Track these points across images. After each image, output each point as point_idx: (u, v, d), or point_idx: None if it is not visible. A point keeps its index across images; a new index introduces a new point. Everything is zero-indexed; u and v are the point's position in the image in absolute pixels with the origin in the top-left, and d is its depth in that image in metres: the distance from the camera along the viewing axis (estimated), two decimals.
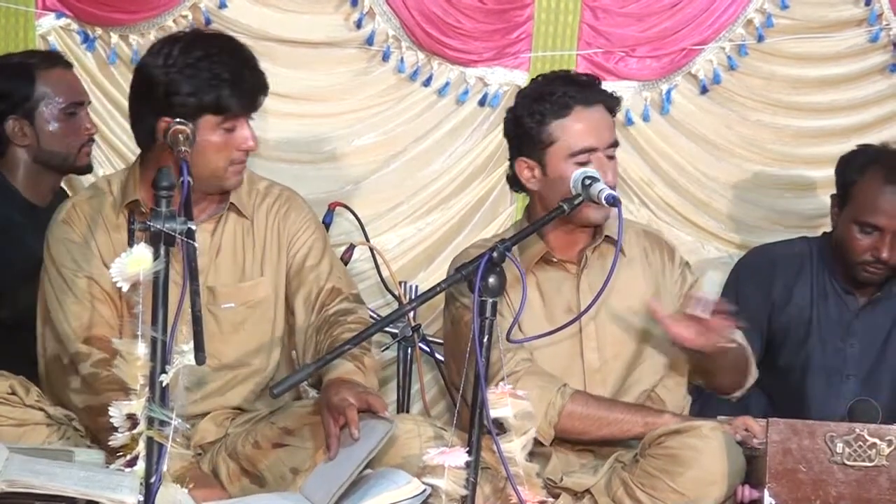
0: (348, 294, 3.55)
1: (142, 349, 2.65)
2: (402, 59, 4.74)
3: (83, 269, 3.40)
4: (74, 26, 4.66)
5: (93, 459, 3.15)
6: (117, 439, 2.69)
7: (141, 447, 2.65)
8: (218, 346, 3.44)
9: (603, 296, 3.24)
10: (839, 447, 3.13)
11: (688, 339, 3.38)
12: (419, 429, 3.31)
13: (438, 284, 3.03)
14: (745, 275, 4.32)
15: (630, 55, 4.77)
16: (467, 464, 2.88)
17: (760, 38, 4.77)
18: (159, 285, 2.62)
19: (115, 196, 3.47)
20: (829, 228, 4.30)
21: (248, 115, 3.38)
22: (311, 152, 4.75)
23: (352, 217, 4.49)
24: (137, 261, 2.64)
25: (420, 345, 4.36)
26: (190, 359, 2.63)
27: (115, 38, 4.66)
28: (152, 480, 2.62)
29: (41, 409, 3.32)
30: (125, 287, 2.65)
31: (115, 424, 2.68)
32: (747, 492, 3.27)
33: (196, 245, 2.69)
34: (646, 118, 4.78)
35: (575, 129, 3.46)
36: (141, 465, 2.65)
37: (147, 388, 2.63)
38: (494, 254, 2.91)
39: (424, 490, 3.00)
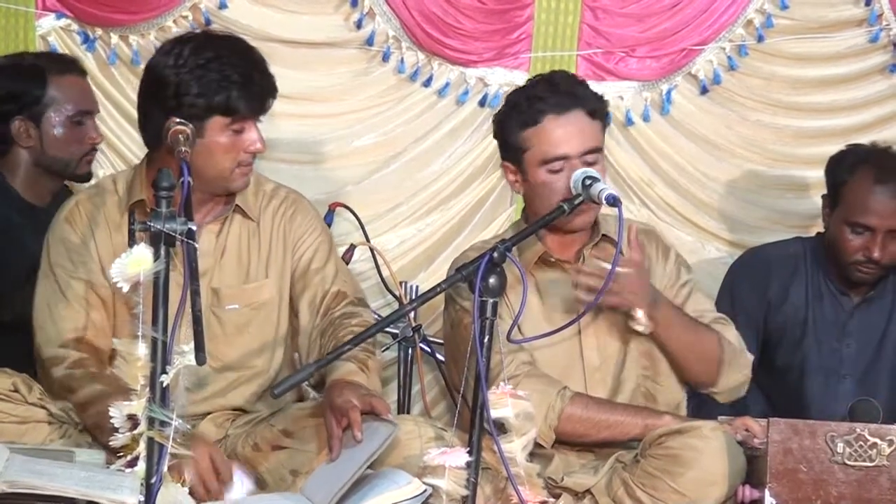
0: (354, 298, 3.56)
1: (142, 350, 2.65)
2: (402, 60, 4.74)
3: (78, 272, 3.41)
4: (75, 27, 4.66)
5: (93, 460, 3.15)
6: (118, 440, 2.70)
7: (141, 448, 2.65)
8: (221, 347, 3.45)
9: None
10: (840, 447, 3.13)
11: (590, 286, 3.34)
12: (420, 429, 3.30)
13: (439, 284, 3.03)
14: (741, 276, 4.32)
15: (630, 55, 4.77)
16: (468, 464, 2.88)
17: (760, 39, 4.77)
18: (160, 286, 2.62)
19: (121, 195, 3.47)
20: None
21: (257, 118, 3.38)
22: (311, 152, 4.75)
23: (352, 217, 4.49)
24: (138, 261, 2.64)
25: (421, 345, 4.36)
26: (190, 359, 2.63)
27: (115, 38, 4.66)
28: (153, 481, 2.63)
29: (43, 408, 3.32)
30: (125, 288, 2.65)
31: (116, 425, 2.69)
32: (748, 492, 3.27)
33: (196, 245, 2.70)
34: (646, 118, 4.78)
35: (546, 137, 3.45)
36: (141, 466, 2.65)
37: (147, 389, 2.63)
38: (495, 254, 2.91)
39: (425, 490, 3.00)
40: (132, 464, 2.68)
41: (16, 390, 3.32)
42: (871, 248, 4.07)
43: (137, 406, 2.65)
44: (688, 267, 3.71)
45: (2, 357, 3.49)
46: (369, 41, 4.72)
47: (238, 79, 3.30)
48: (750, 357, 3.65)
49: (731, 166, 4.84)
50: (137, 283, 2.64)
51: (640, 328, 3.45)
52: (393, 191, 4.79)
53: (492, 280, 2.90)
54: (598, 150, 3.48)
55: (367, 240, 4.44)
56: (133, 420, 2.66)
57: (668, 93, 4.78)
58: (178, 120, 3.20)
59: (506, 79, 4.72)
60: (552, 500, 3.27)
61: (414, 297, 4.31)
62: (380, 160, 4.79)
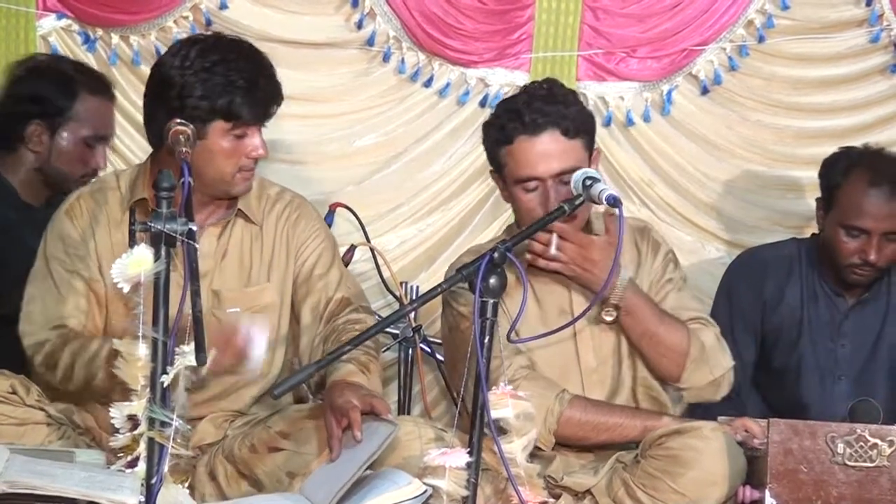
0: (358, 305, 3.55)
1: (142, 350, 2.65)
2: (402, 60, 4.74)
3: (74, 266, 3.41)
4: (75, 27, 4.67)
5: (94, 460, 3.15)
6: (118, 440, 2.70)
7: (142, 448, 2.65)
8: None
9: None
10: (840, 448, 3.13)
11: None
12: (420, 430, 3.31)
13: (439, 285, 3.02)
14: (738, 277, 4.32)
15: (631, 56, 4.77)
16: (468, 464, 2.88)
17: (761, 39, 4.77)
18: (160, 286, 2.62)
19: (123, 193, 3.47)
20: None
21: (261, 124, 3.37)
22: (311, 153, 4.76)
23: (352, 218, 4.48)
24: (138, 262, 2.64)
25: (421, 345, 4.36)
26: (191, 359, 2.63)
27: (115, 38, 4.67)
28: (153, 481, 2.63)
29: (41, 409, 3.32)
30: (126, 288, 2.65)
31: (116, 425, 2.69)
32: (748, 492, 3.27)
33: (197, 246, 2.70)
34: (646, 119, 4.78)
35: (519, 158, 3.44)
36: (142, 466, 2.66)
37: (148, 389, 2.63)
38: (495, 254, 2.91)
39: (425, 491, 3.00)
40: (132, 464, 2.69)
41: (14, 392, 3.32)
42: (868, 250, 4.06)
43: (138, 406, 2.65)
44: (677, 265, 3.67)
45: (1, 357, 3.49)
46: (370, 41, 4.72)
47: (243, 84, 3.29)
48: (729, 361, 3.56)
49: (732, 166, 4.84)
50: (138, 283, 2.64)
51: (607, 318, 3.46)
52: (393, 191, 4.79)
53: (492, 280, 2.90)
54: (574, 170, 3.35)
55: (368, 240, 4.44)
56: (133, 420, 2.66)
57: (669, 93, 4.78)
58: (179, 120, 3.20)
59: (506, 79, 4.73)
60: (552, 500, 3.27)
61: (414, 297, 4.31)
62: (380, 160, 4.79)
